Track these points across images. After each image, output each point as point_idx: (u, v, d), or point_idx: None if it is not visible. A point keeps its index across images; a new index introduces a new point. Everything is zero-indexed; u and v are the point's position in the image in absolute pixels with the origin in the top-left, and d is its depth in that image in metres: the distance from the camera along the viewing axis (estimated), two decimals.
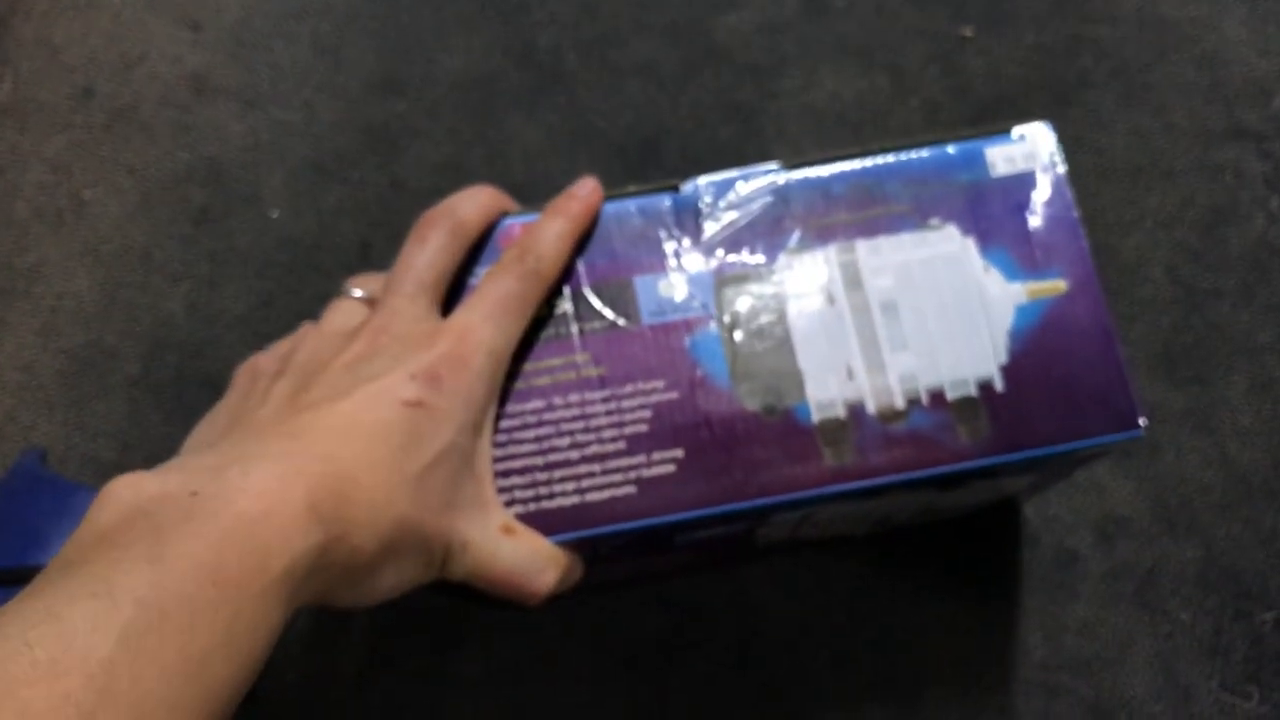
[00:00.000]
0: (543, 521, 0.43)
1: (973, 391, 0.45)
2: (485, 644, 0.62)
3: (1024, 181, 0.48)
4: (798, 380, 0.45)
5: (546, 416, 0.45)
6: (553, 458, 0.44)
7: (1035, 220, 0.47)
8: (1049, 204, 0.48)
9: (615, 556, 0.47)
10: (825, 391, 0.45)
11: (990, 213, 0.47)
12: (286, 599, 0.34)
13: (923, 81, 0.66)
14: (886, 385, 0.45)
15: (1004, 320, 0.45)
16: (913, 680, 0.61)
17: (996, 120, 0.64)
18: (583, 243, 0.48)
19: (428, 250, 0.45)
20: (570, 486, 0.44)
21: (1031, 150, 0.49)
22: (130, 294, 0.67)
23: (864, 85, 0.67)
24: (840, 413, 0.45)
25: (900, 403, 0.45)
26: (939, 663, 0.62)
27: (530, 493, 0.44)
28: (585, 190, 0.46)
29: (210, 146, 0.70)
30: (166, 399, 0.63)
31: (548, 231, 0.44)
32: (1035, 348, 0.45)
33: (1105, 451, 0.46)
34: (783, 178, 0.49)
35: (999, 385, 0.45)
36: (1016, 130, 0.49)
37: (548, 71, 0.72)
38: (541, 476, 0.44)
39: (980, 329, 0.45)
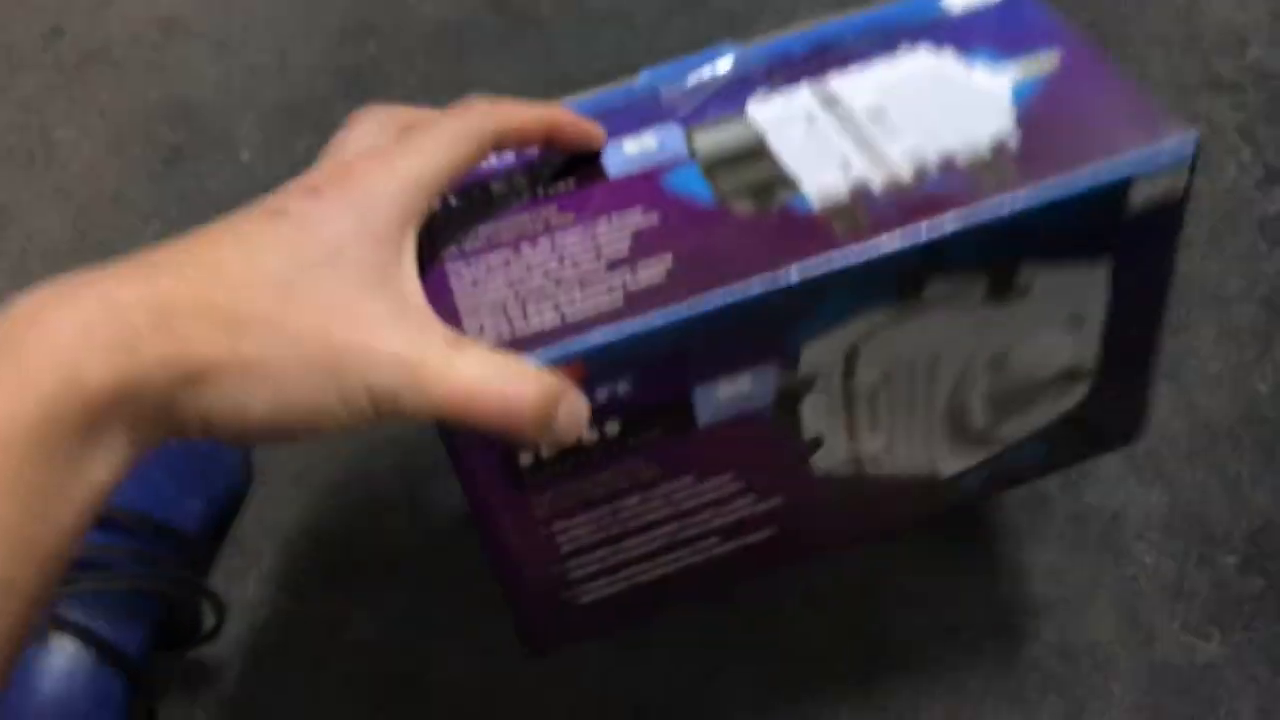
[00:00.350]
0: (518, 347, 0.39)
1: (986, 153, 0.42)
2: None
3: (987, 8, 0.48)
4: (789, 182, 0.43)
5: (514, 259, 0.43)
6: (525, 288, 0.41)
7: (1008, 21, 0.47)
8: (1018, 7, 0.48)
9: (624, 438, 0.42)
10: (822, 181, 0.42)
11: (958, 35, 0.47)
12: (103, 428, 0.33)
13: None
14: (889, 164, 0.42)
15: (1002, 96, 0.44)
16: (880, 625, 0.61)
17: None
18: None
19: (444, 146, 0.41)
20: (548, 308, 0.40)
21: None
22: (101, 234, 0.67)
23: None
24: (843, 196, 0.42)
25: (908, 176, 0.42)
26: (906, 606, 0.61)
27: (503, 323, 0.40)
28: (584, 121, 0.45)
29: (182, 88, 0.70)
30: None
31: (519, 105, 0.43)
32: (1045, 108, 0.43)
33: (1154, 183, 0.42)
34: (734, 55, 0.49)
35: (1014, 141, 0.43)
36: None
37: (521, 17, 0.72)
38: (514, 309, 0.40)
39: (978, 106, 0.44)
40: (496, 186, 0.45)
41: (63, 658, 0.49)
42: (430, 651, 0.60)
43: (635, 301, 0.40)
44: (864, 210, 0.42)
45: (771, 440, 0.45)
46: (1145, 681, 0.58)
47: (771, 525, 0.47)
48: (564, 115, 0.45)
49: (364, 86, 0.69)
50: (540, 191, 0.45)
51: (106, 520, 0.55)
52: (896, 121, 0.45)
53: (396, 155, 0.40)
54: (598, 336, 0.40)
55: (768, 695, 0.59)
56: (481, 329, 0.41)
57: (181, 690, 0.60)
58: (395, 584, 0.62)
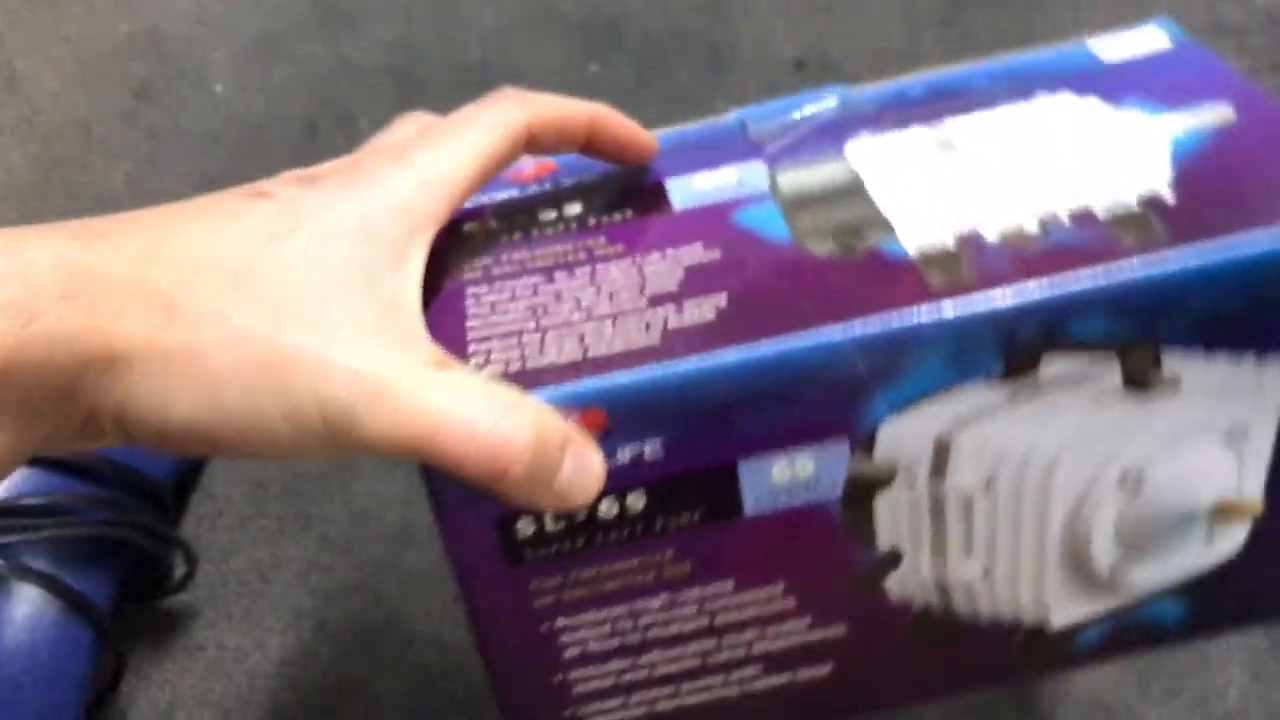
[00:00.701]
0: (525, 381, 0.32)
1: (1133, 206, 0.34)
2: None
3: (1146, 60, 0.40)
4: (881, 223, 0.35)
5: (544, 286, 0.36)
6: (550, 318, 0.34)
7: (1172, 70, 0.39)
8: (1184, 56, 0.40)
9: (651, 518, 0.34)
10: (923, 225, 0.35)
11: (1108, 83, 0.39)
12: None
13: None
14: (1009, 212, 0.35)
15: (1160, 148, 0.36)
16: None
17: (975, 9, 0.61)
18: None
19: (469, 141, 0.36)
20: (570, 341, 0.33)
21: (1147, 42, 0.42)
22: (68, 171, 0.64)
23: None
24: (947, 243, 0.34)
25: (1032, 226, 0.34)
26: None
27: (513, 353, 0.33)
28: (632, 123, 0.38)
29: (153, 18, 0.68)
30: None
31: (557, 98, 0.37)
32: (1212, 166, 0.36)
33: None
34: (839, 96, 0.42)
35: (1170, 198, 0.35)
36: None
37: None
38: (531, 339, 0.33)
39: (1127, 158, 0.36)
40: (544, 214, 0.38)
41: (27, 606, 0.48)
42: (408, 594, 0.58)
43: (675, 341, 0.33)
44: (971, 260, 0.34)
45: (836, 546, 0.36)
46: None
47: (829, 660, 0.38)
48: (610, 113, 0.37)
49: (341, 16, 0.65)
50: (592, 221, 0.37)
51: (72, 465, 0.53)
52: (1024, 168, 0.37)
53: (416, 149, 0.34)
54: (624, 377, 0.32)
55: None
56: (488, 357, 0.33)
57: (151, 640, 0.58)
58: (367, 531, 0.60)
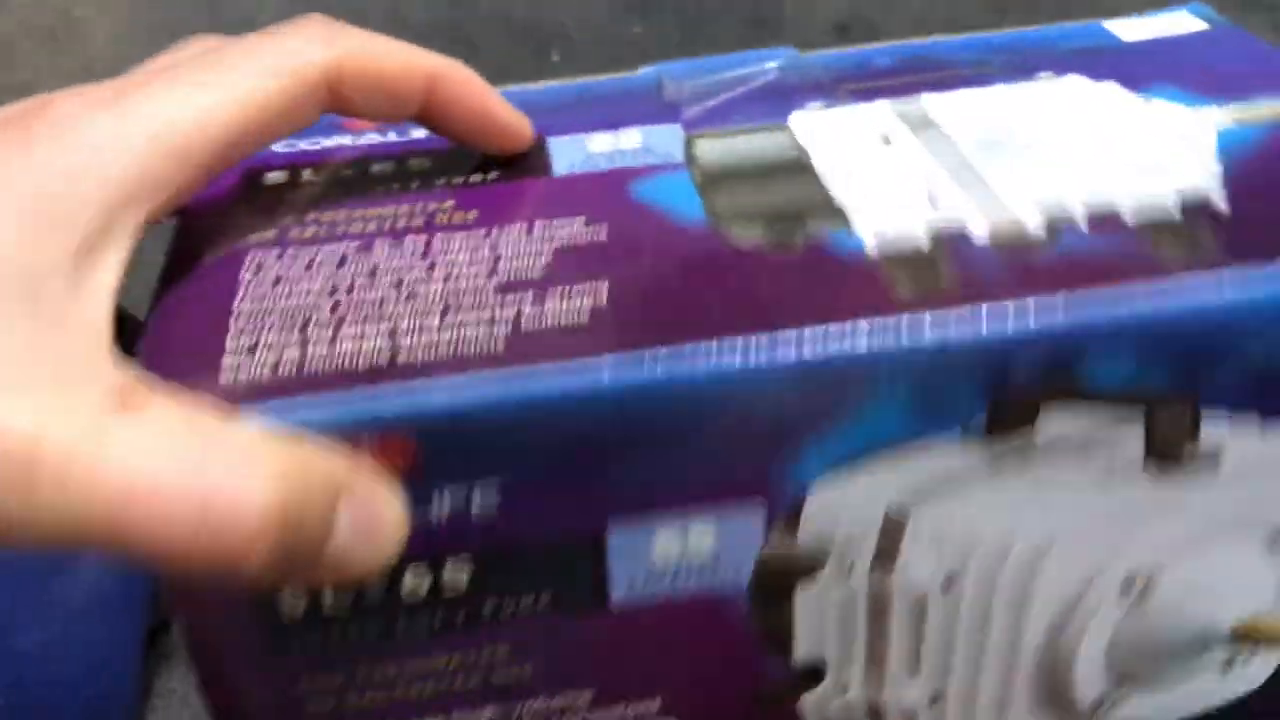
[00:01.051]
0: (301, 388, 0.22)
1: (1173, 211, 0.25)
2: None
3: (1176, 42, 0.32)
4: (832, 211, 0.26)
5: (356, 257, 0.26)
6: (353, 298, 0.24)
7: (1210, 55, 0.31)
8: (1224, 39, 0.31)
9: (478, 598, 0.25)
10: (887, 216, 0.26)
11: (1131, 66, 0.30)
12: None
13: None
14: (1002, 206, 0.26)
15: (1203, 141, 0.27)
16: None
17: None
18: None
19: (233, 84, 0.25)
20: (376, 333, 0.23)
21: (1175, 25, 0.33)
22: None
23: None
24: (919, 239, 0.25)
25: (1034, 225, 0.25)
26: None
27: (289, 346, 0.23)
28: (505, 111, 0.28)
29: None
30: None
31: (384, 40, 0.26)
32: (1272, 171, 0.26)
33: None
34: (785, 59, 0.32)
35: (1221, 203, 0.25)
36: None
37: None
38: (320, 327, 0.23)
39: (1163, 151, 0.27)
40: (379, 167, 0.28)
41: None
42: None
43: (527, 347, 0.23)
44: (951, 265, 0.24)
45: (737, 653, 0.26)
46: None
47: None
48: (464, 77, 0.27)
49: None
50: (441, 181, 0.27)
51: None
52: (1023, 155, 0.27)
53: (152, 85, 0.24)
54: (444, 393, 0.22)
55: None
56: (252, 351, 0.22)
57: None
58: None
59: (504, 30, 0.63)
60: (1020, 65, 0.31)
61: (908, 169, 0.27)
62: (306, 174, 0.28)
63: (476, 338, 0.23)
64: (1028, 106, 0.29)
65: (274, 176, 0.28)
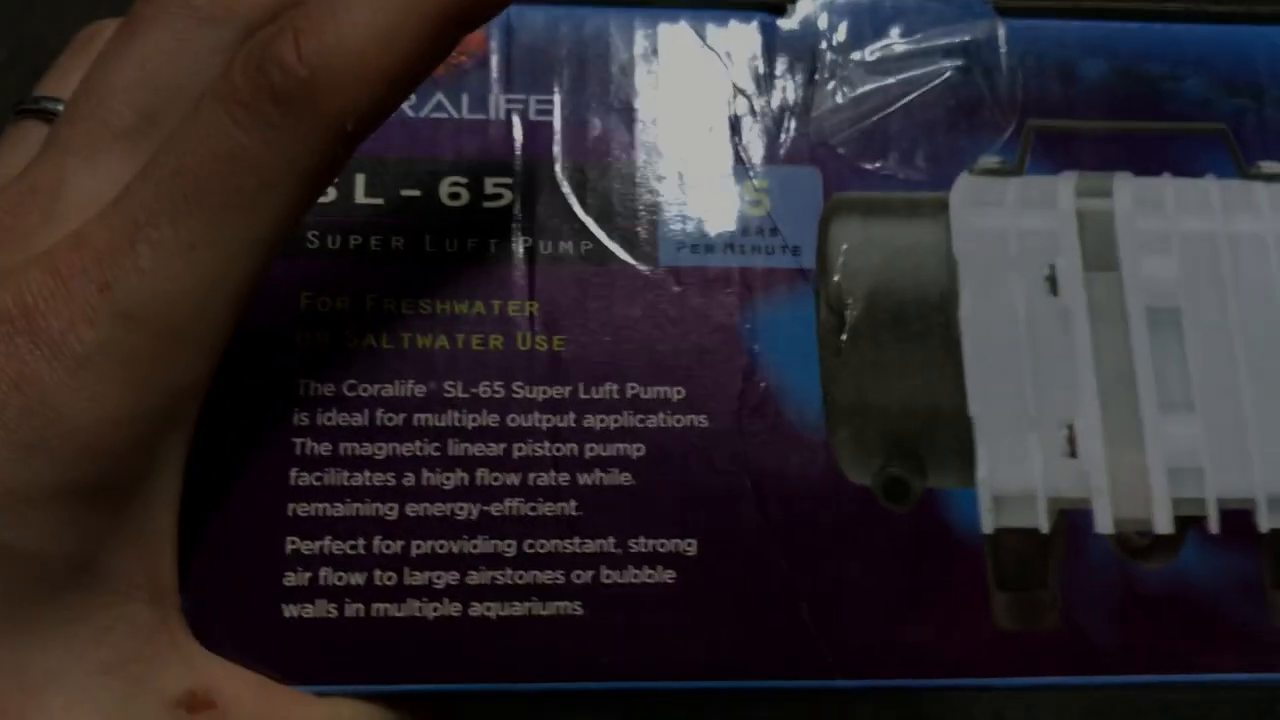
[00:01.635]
0: (370, 653, 0.22)
1: None
2: None
3: None
4: (960, 435, 0.23)
5: (420, 418, 0.23)
6: (419, 510, 0.22)
7: None
8: None
9: None
10: (1014, 469, 0.23)
11: None
12: None
13: None
14: (1141, 478, 0.23)
15: None
16: None
17: None
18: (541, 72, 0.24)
19: (135, 48, 0.20)
20: (440, 582, 0.22)
21: None
22: None
23: None
24: (1037, 519, 0.23)
25: (1164, 519, 0.23)
26: None
27: (356, 576, 0.22)
28: None
29: None
30: None
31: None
32: None
33: None
34: (983, 28, 0.25)
35: None
36: None
37: None
38: (387, 546, 0.22)
39: None
40: (450, 189, 0.23)
41: None
42: None
43: (604, 616, 0.22)
44: (1056, 582, 0.23)
45: None
46: None
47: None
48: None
49: None
50: (523, 244, 0.23)
51: None
52: (1190, 363, 0.24)
53: (115, 248, 0.19)
54: (518, 684, 0.22)
55: None
56: (311, 600, 0.22)
57: None
58: None
59: None
60: (1253, 125, 0.25)
61: (1057, 362, 0.23)
62: (360, 193, 0.24)
63: (548, 597, 0.22)
64: (1224, 251, 0.24)
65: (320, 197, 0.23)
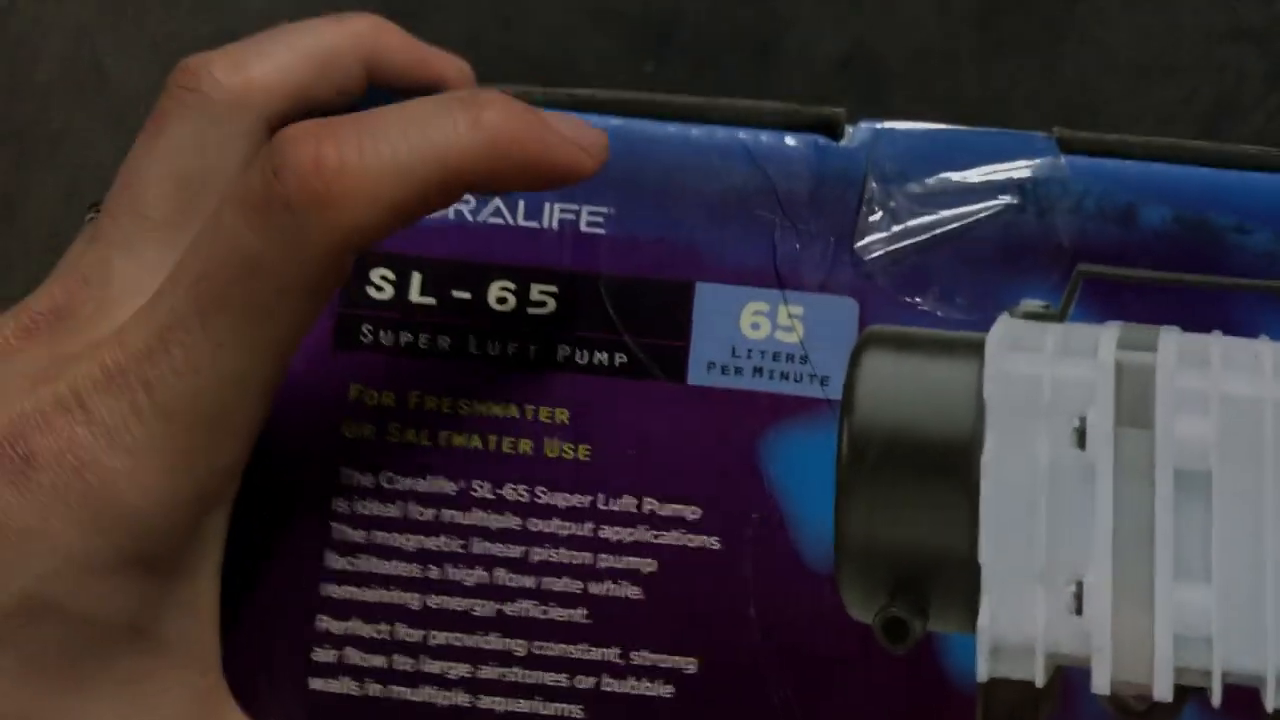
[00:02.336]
0: None
1: None
2: None
3: None
4: (967, 582, 0.23)
5: (448, 515, 0.24)
6: (440, 602, 0.24)
7: None
8: None
9: None
10: (1017, 621, 0.23)
11: None
12: None
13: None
14: (1145, 642, 0.23)
15: None
16: None
17: (1007, 16, 0.58)
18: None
19: (162, 143, 0.23)
20: (453, 674, 0.24)
21: None
22: None
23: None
24: (1034, 672, 0.23)
25: (1165, 687, 0.23)
26: None
27: (367, 682, 0.24)
28: (574, 133, 0.22)
29: (229, 20, 0.65)
30: None
31: (404, 128, 0.21)
32: None
33: None
34: (1043, 165, 0.25)
35: None
36: None
37: None
38: (408, 634, 0.24)
39: None
40: (497, 292, 0.25)
41: None
42: None
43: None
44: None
45: None
46: None
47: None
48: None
49: (410, 13, 0.55)
50: (562, 355, 0.25)
51: None
52: (1211, 532, 0.23)
53: (153, 347, 0.21)
54: None
55: None
56: (336, 676, 0.24)
57: None
58: None
59: (517, 65, 0.59)
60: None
61: (1075, 521, 0.23)
62: (414, 292, 0.25)
63: (556, 699, 0.24)
64: (1268, 417, 0.24)
65: (376, 292, 0.25)
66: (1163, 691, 0.23)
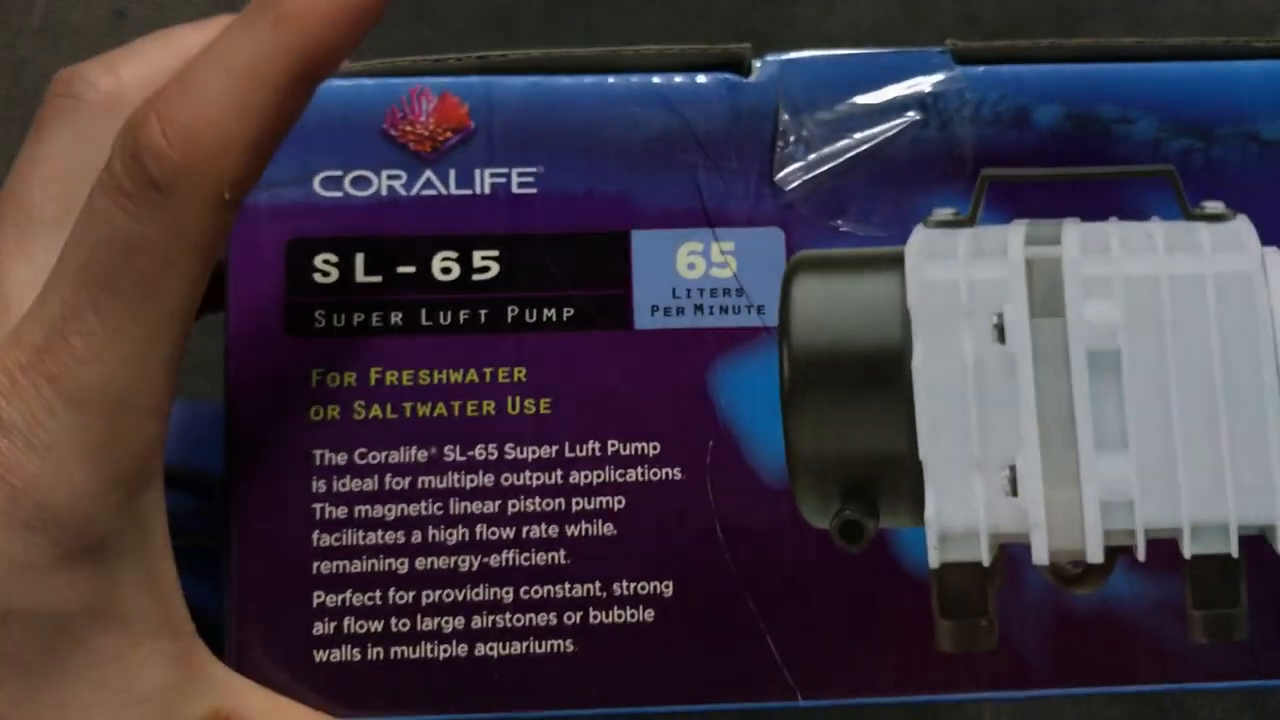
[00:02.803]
0: (389, 689, 0.25)
1: (1230, 546, 0.25)
2: None
3: None
4: (911, 479, 0.26)
5: (424, 481, 0.26)
6: (426, 564, 0.25)
7: None
8: None
9: None
10: (960, 509, 0.25)
11: None
12: None
13: (935, 9, 0.69)
14: (1075, 513, 0.25)
15: None
16: None
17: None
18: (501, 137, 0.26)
19: (44, 147, 0.24)
20: (448, 627, 0.25)
21: None
22: None
23: (879, 14, 0.69)
24: (979, 553, 0.25)
25: (1096, 550, 0.25)
26: None
27: (369, 646, 0.25)
28: None
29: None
30: None
31: (224, 65, 0.21)
32: None
33: None
34: (941, 79, 0.26)
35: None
36: None
37: None
38: (400, 597, 0.25)
39: (1266, 428, 0.25)
40: (442, 263, 0.26)
41: None
42: None
43: (593, 657, 0.26)
44: (994, 610, 0.26)
45: None
46: None
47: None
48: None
49: None
50: (511, 315, 0.26)
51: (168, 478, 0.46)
52: (1128, 403, 0.26)
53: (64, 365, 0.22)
54: (521, 713, 0.25)
55: None
56: (337, 645, 0.25)
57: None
58: None
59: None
60: (1201, 165, 0.26)
61: (1003, 406, 0.25)
62: (360, 272, 0.26)
63: (545, 635, 0.26)
64: (1165, 292, 0.26)
65: (322, 278, 0.26)
66: (1094, 554, 0.25)
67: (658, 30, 0.69)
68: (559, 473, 0.25)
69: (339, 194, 0.26)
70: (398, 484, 0.25)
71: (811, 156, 0.26)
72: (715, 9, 0.69)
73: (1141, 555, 0.25)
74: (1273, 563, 0.25)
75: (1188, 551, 0.25)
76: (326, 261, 0.26)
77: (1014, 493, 0.25)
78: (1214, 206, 0.26)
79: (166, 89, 0.21)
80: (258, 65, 0.21)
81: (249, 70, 0.21)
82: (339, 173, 0.26)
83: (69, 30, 0.69)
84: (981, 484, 0.25)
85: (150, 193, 0.21)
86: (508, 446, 0.25)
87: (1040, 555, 0.25)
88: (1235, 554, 0.25)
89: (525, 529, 0.25)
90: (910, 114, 0.26)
